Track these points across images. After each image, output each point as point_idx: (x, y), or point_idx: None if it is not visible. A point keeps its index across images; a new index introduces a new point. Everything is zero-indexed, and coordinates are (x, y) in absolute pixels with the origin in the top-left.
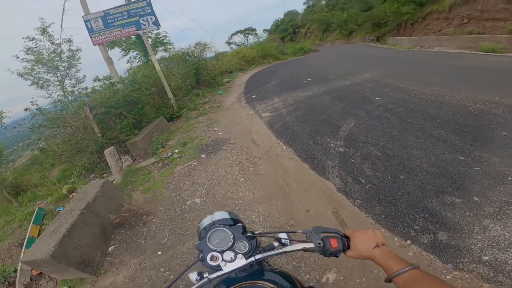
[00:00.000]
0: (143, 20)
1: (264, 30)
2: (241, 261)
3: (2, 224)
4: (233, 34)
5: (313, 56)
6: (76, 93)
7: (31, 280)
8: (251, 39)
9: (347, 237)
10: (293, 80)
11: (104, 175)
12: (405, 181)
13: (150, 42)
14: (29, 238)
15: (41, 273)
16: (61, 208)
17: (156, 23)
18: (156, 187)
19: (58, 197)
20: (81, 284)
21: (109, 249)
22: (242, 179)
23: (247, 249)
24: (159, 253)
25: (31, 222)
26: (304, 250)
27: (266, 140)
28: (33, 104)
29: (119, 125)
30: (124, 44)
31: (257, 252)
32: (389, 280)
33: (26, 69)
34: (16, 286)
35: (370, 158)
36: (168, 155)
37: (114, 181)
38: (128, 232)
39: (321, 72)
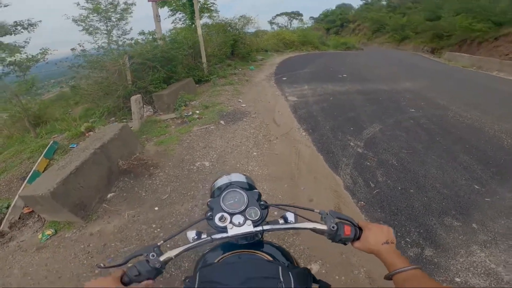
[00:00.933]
0: None
1: (310, 17)
2: (248, 228)
3: (12, 153)
4: (277, 15)
5: (355, 54)
6: (119, 42)
7: (19, 218)
8: (295, 23)
9: (360, 228)
10: (328, 72)
11: (124, 120)
12: (413, 195)
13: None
14: (35, 171)
15: (32, 211)
16: (74, 145)
17: None
18: (170, 141)
19: (75, 134)
20: (68, 228)
21: (108, 196)
22: (255, 153)
23: (257, 217)
24: (156, 208)
25: (42, 155)
26: (314, 230)
27: (287, 122)
28: (80, 46)
29: (151, 76)
30: (174, 4)
31: (266, 223)
32: (389, 277)
33: (82, 16)
34: (2, 224)
35: (386, 166)
36: (189, 114)
37: (132, 128)
38: (131, 182)
39: (359, 71)
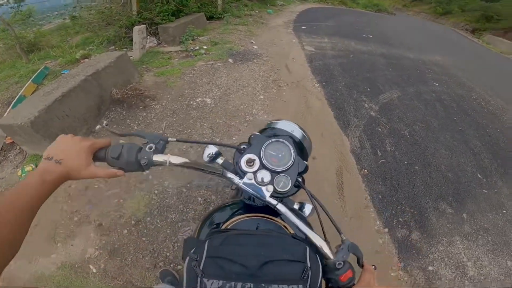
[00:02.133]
0: None
1: None
2: (265, 192)
3: (1, 78)
4: None
5: (386, 18)
6: None
7: (1, 149)
8: None
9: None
10: (353, 30)
11: (124, 49)
12: (417, 173)
13: None
14: (20, 96)
15: (13, 142)
16: (67, 71)
17: None
18: (171, 73)
19: (69, 60)
20: None
21: (96, 128)
22: (261, 96)
23: (285, 190)
24: None
25: (30, 80)
26: (317, 248)
27: (300, 71)
28: None
29: (159, 8)
30: None
31: (284, 202)
32: None
33: None
34: None
35: (397, 136)
36: (196, 48)
37: (132, 57)
38: (124, 113)
39: (387, 35)
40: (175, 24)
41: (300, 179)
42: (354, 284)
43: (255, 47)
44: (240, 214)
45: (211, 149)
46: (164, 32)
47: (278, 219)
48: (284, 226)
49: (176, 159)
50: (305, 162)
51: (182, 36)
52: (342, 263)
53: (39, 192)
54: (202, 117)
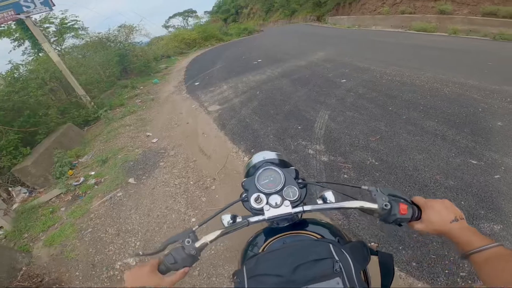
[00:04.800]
0: (25, 1)
1: (205, 12)
2: (286, 209)
3: None
4: (171, 17)
5: (259, 36)
6: None
7: None
8: (191, 21)
9: (417, 206)
10: (242, 62)
11: None
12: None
13: (54, 29)
14: None
15: None
16: None
17: (47, 3)
18: (64, 236)
19: None
20: None
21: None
22: (193, 219)
23: (296, 196)
24: None
25: None
26: (362, 209)
27: (218, 147)
28: None
29: None
30: (15, 33)
31: (305, 203)
32: (466, 255)
33: None
34: None
35: (367, 171)
36: (80, 181)
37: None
38: None
39: (271, 52)
40: (34, 156)
41: (301, 180)
42: (419, 217)
43: (154, 141)
44: (269, 238)
45: (226, 217)
46: (26, 176)
47: (302, 231)
48: (308, 234)
49: (212, 235)
50: (292, 167)
51: (52, 169)
52: (389, 204)
53: None
54: None
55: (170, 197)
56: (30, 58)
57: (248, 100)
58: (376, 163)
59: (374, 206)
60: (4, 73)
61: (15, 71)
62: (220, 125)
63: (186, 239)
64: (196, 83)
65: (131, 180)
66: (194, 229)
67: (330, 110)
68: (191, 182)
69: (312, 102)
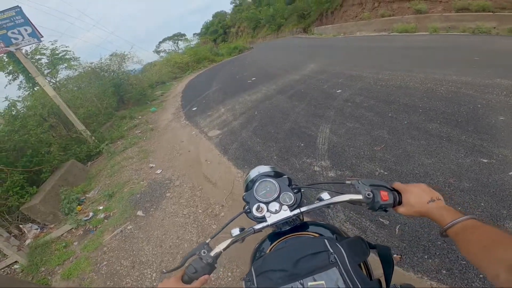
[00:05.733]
0: (13, 33)
1: (194, 34)
2: (285, 213)
3: None
4: (161, 42)
5: (249, 54)
6: None
7: None
8: (182, 44)
9: (398, 192)
10: (236, 82)
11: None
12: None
13: (46, 60)
14: None
15: None
16: None
17: (35, 35)
18: (81, 269)
19: None
20: None
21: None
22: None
23: (292, 201)
24: None
25: None
26: (351, 202)
27: (223, 173)
28: None
29: (0, 188)
30: (8, 66)
31: (302, 205)
32: (444, 232)
33: None
34: None
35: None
36: (89, 216)
37: (16, 267)
38: None
39: (263, 69)
40: (41, 195)
41: (294, 186)
42: (401, 201)
43: (158, 172)
44: (273, 242)
45: (235, 230)
46: (35, 214)
47: (303, 232)
48: (309, 234)
49: (224, 244)
50: (285, 176)
51: (60, 206)
52: (371, 193)
53: None
54: None
55: (180, 227)
56: (26, 93)
57: (247, 122)
58: (385, 173)
59: (359, 197)
60: (2, 111)
61: (13, 108)
62: (222, 151)
63: (202, 250)
64: (194, 108)
65: (139, 213)
66: (207, 241)
67: (330, 123)
68: (200, 211)
69: (311, 117)
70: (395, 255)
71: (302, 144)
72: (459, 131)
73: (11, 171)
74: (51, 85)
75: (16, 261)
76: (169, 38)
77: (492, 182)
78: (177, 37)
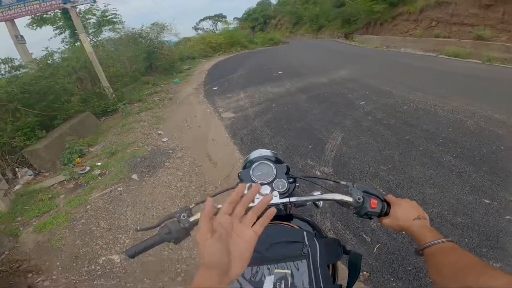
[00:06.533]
0: None
1: (234, 18)
2: (275, 199)
3: None
4: (201, 20)
5: (283, 48)
6: None
7: None
8: (220, 26)
9: (388, 204)
10: (263, 71)
11: None
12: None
13: (94, 21)
14: None
15: None
16: None
17: None
18: (56, 224)
19: None
20: None
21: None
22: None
23: (284, 188)
24: None
25: None
26: (340, 202)
27: (226, 155)
28: None
29: (11, 125)
30: (59, 21)
31: (293, 195)
32: (420, 251)
33: None
34: None
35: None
36: (85, 170)
37: None
38: None
39: (293, 65)
40: (47, 141)
41: (291, 175)
42: (388, 212)
43: (165, 140)
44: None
45: (220, 205)
46: (34, 157)
47: (285, 222)
48: (290, 225)
49: None
50: (285, 163)
51: (62, 155)
52: (361, 197)
53: None
54: (116, 284)
55: (169, 199)
56: (67, 47)
57: (262, 112)
58: (384, 192)
59: (350, 199)
60: (38, 59)
61: (49, 57)
62: (231, 134)
63: (182, 214)
64: (215, 88)
65: (134, 176)
66: (190, 207)
67: (344, 133)
68: (193, 187)
69: (327, 122)
70: (364, 272)
71: (310, 146)
72: (472, 168)
73: (27, 112)
74: (91, 43)
75: None
76: (210, 18)
77: (485, 222)
78: (217, 17)
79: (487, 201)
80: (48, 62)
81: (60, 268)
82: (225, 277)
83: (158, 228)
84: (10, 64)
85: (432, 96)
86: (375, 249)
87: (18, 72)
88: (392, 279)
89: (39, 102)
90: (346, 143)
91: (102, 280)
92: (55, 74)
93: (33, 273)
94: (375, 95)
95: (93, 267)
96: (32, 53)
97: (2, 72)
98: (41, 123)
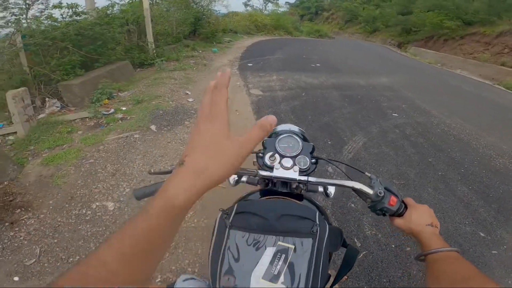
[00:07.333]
0: None
1: (286, 2)
2: (294, 174)
3: None
4: None
5: (328, 42)
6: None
7: None
8: (270, 7)
9: (405, 205)
10: (301, 60)
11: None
12: (410, 256)
13: None
14: None
15: None
16: None
17: None
18: (65, 159)
19: None
20: None
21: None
22: None
23: (306, 166)
24: (16, 279)
25: None
26: (357, 191)
27: (244, 129)
28: None
29: (57, 60)
30: None
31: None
32: (423, 256)
33: None
34: None
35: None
36: (109, 112)
37: (10, 137)
38: None
39: (333, 61)
40: (83, 79)
41: (314, 155)
42: (404, 212)
43: (190, 100)
44: (264, 195)
45: (233, 176)
46: (67, 91)
47: (295, 200)
48: (300, 204)
49: None
50: (311, 143)
51: (92, 94)
52: (383, 192)
53: None
54: (100, 233)
55: (180, 155)
56: (127, 1)
57: (291, 98)
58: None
59: (370, 191)
60: (100, 8)
61: (110, 8)
62: (255, 110)
63: None
64: (250, 64)
65: (152, 127)
66: None
67: (367, 139)
68: None
69: (352, 124)
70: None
71: (330, 142)
72: (482, 203)
73: (75, 52)
74: (149, 1)
75: (15, 132)
76: None
77: (471, 252)
78: None
79: (482, 235)
80: (108, 12)
81: (51, 208)
82: (202, 175)
83: (135, 191)
84: (73, 9)
85: (470, 126)
86: (361, 255)
87: (78, 17)
88: (365, 287)
89: (87, 45)
90: (367, 149)
91: (87, 225)
92: (110, 23)
93: (22, 209)
94: (411, 110)
95: (84, 211)
96: (96, 1)
97: (64, 15)
98: (82, 63)
